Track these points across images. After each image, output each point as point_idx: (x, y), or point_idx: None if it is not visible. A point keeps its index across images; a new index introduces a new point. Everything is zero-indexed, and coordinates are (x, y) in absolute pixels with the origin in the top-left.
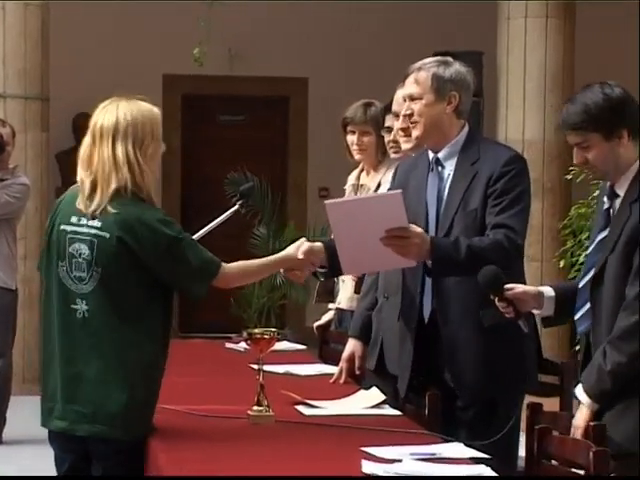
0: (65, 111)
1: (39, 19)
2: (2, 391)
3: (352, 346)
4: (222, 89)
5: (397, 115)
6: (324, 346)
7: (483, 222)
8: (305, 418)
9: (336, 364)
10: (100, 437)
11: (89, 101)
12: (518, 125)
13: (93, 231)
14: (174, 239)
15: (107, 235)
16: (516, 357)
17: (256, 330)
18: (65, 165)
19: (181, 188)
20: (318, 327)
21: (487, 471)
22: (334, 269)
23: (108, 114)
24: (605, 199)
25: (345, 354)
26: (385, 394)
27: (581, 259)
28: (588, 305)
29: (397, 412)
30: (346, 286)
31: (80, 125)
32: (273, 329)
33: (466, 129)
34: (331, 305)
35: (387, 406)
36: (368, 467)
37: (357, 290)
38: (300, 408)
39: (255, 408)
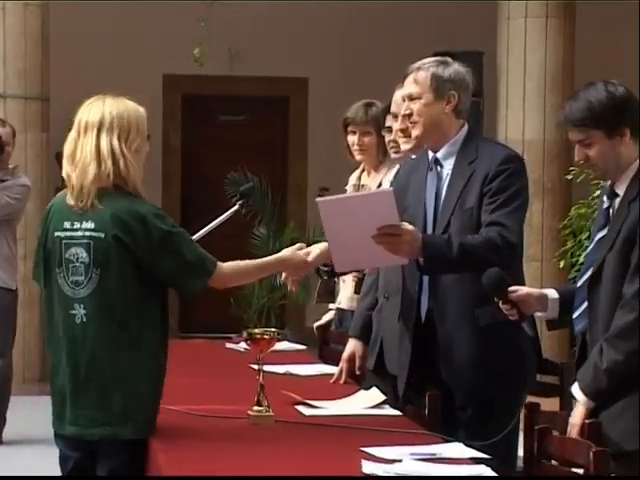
0: (65, 111)
1: (39, 19)
2: (2, 391)
3: (352, 346)
4: (222, 89)
5: (396, 116)
6: (324, 346)
7: (479, 221)
8: (305, 418)
9: (336, 364)
10: (110, 439)
11: None
12: (518, 125)
13: (88, 233)
14: (167, 232)
15: (102, 235)
16: (514, 357)
17: (256, 330)
18: None
19: (181, 188)
20: (318, 327)
21: (487, 471)
22: None
23: (94, 109)
24: (605, 198)
25: (345, 354)
26: (385, 394)
27: (581, 259)
28: (586, 304)
29: (397, 412)
30: (346, 286)
31: None
32: (273, 329)
33: (465, 129)
34: (331, 305)
35: (387, 406)
36: (368, 467)
37: (357, 290)
38: (300, 408)
39: (255, 408)
